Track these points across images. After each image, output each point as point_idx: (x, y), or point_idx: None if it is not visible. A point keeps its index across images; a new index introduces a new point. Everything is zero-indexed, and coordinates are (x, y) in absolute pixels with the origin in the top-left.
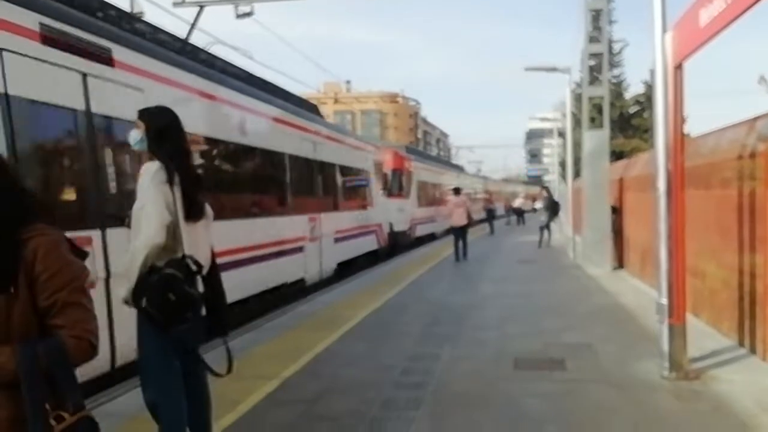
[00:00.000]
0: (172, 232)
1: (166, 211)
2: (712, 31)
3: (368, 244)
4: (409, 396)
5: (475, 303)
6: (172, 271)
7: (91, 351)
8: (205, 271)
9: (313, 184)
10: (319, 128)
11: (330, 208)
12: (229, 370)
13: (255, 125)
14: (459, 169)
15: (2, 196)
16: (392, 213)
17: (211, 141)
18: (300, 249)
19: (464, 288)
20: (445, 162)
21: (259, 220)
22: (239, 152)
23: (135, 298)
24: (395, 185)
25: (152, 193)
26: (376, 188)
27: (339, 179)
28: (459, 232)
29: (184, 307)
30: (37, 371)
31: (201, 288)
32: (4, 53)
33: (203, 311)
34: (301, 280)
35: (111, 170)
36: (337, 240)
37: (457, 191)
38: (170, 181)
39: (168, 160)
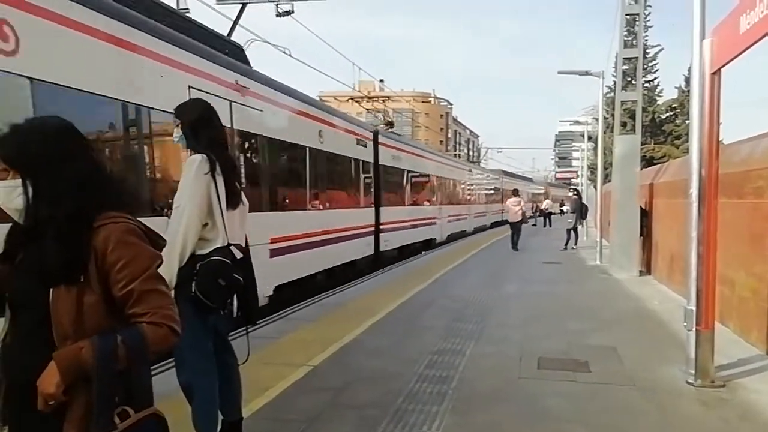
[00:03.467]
0: (212, 222)
1: (203, 204)
2: (752, 39)
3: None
4: (433, 390)
5: (500, 302)
6: (222, 258)
7: (172, 337)
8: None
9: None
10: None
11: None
12: (246, 358)
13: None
14: (549, 182)
15: (79, 182)
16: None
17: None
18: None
19: (489, 286)
20: (549, 183)
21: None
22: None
23: (182, 283)
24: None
25: (193, 185)
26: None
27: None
28: (514, 226)
29: (231, 292)
30: (114, 363)
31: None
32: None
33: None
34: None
35: None
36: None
37: (515, 192)
38: (212, 172)
39: (207, 151)
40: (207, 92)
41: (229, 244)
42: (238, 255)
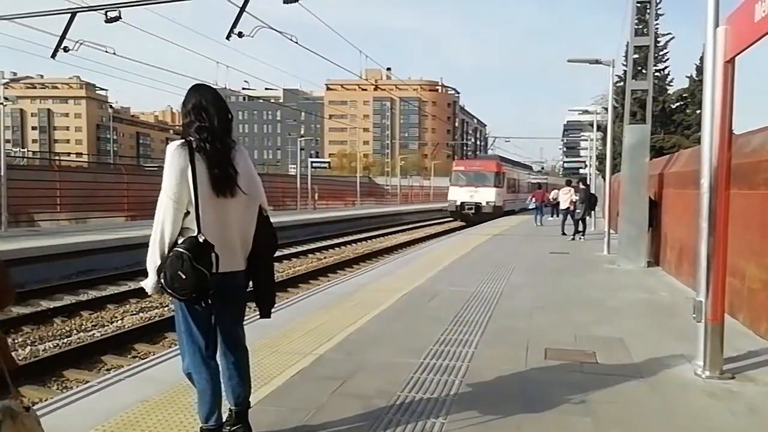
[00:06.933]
0: (193, 210)
1: (178, 192)
2: (767, 27)
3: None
4: (440, 379)
5: (507, 292)
6: (181, 249)
7: None
8: (244, 251)
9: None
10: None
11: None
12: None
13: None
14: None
15: None
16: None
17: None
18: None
19: (495, 277)
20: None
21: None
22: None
23: (158, 276)
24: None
25: (167, 173)
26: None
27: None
28: (565, 213)
29: (198, 284)
30: None
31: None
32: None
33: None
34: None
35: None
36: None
37: (568, 183)
38: (190, 154)
39: (193, 134)
40: (526, 179)
41: (198, 233)
42: (236, 247)
